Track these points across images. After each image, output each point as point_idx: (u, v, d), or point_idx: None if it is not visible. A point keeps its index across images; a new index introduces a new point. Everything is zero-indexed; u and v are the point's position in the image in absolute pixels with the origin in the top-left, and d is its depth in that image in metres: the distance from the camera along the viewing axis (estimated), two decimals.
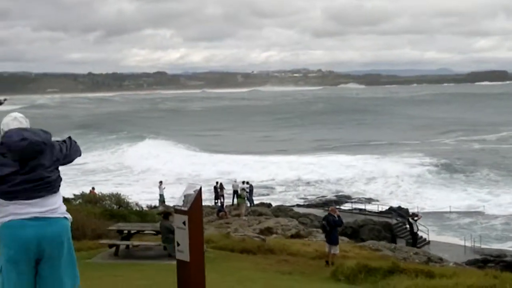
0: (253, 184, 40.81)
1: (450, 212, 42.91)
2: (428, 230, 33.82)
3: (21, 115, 4.08)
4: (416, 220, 22.52)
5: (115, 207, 27.91)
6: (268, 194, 52.90)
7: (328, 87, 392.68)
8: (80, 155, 4.35)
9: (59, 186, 4.07)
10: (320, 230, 26.60)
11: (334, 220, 14.91)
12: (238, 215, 31.86)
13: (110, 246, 15.43)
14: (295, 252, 17.46)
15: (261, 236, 20.06)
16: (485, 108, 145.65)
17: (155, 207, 33.81)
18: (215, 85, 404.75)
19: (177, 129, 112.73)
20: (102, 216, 24.82)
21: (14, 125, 3.95)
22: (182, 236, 4.27)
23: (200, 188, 4.52)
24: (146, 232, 16.42)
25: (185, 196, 4.44)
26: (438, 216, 42.22)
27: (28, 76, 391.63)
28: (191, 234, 4.15)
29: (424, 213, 38.70)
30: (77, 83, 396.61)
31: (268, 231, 24.56)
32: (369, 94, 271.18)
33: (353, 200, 50.72)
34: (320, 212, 41.95)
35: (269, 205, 41.72)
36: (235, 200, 36.05)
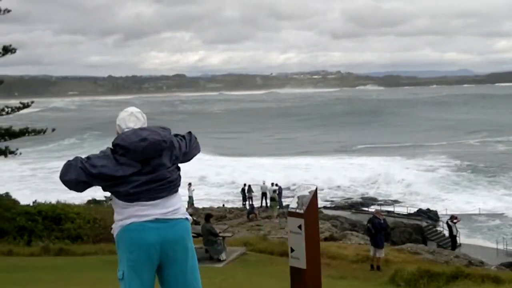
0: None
1: (479, 214, 42.40)
2: (458, 233, 33.49)
3: (137, 110, 3.85)
4: (455, 223, 22.23)
5: None
6: (292, 196, 52.77)
7: (347, 89, 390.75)
8: (199, 152, 4.09)
9: (179, 185, 3.84)
10: (355, 233, 26.51)
11: (379, 223, 14.78)
12: (268, 217, 31.82)
13: None
14: (335, 255, 17.32)
15: None
16: (507, 109, 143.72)
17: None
18: (233, 87, 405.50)
19: (198, 131, 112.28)
20: None
21: (131, 120, 3.74)
22: (297, 241, 3.94)
23: (316, 189, 4.27)
24: None
25: (299, 197, 4.22)
26: (467, 218, 41.75)
27: (48, 79, 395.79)
28: (307, 239, 3.86)
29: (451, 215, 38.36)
30: (97, 86, 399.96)
31: None
32: (389, 95, 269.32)
33: (379, 202, 50.41)
34: (347, 214, 41.78)
35: (287, 206, 41.56)
36: (264, 202, 36.03)
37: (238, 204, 39.97)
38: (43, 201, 25.13)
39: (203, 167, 65.10)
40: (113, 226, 3.76)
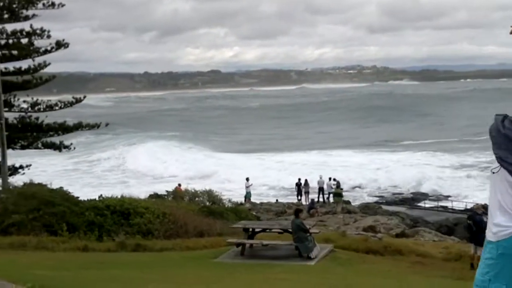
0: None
1: None
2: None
3: None
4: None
5: (207, 203, 27.59)
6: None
7: (384, 83, 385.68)
8: None
9: None
10: (427, 229, 25.51)
11: (481, 220, 13.87)
12: (328, 213, 31.04)
13: (238, 245, 14.87)
14: (424, 253, 16.45)
15: (377, 236, 19.16)
16: None
17: (241, 204, 33.41)
18: (269, 82, 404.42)
19: (240, 126, 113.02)
20: (200, 213, 24.46)
21: None
22: None
23: None
24: (273, 230, 15.69)
25: None
26: None
27: (86, 76, 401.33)
28: None
29: None
30: (133, 82, 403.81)
31: (372, 229, 23.55)
32: (426, 90, 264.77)
33: (430, 197, 49.36)
34: (403, 210, 40.66)
35: (348, 202, 40.66)
36: (321, 197, 35.29)
37: (291, 199, 39.28)
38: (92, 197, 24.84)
39: (250, 162, 64.96)
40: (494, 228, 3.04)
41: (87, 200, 23.60)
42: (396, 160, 67.02)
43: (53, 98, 47.39)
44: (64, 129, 39.98)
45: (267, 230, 15.93)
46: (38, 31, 39.61)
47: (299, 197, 36.81)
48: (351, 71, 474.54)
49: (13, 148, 39.60)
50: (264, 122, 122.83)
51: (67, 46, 41.67)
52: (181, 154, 74.51)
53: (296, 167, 60.54)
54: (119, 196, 24.47)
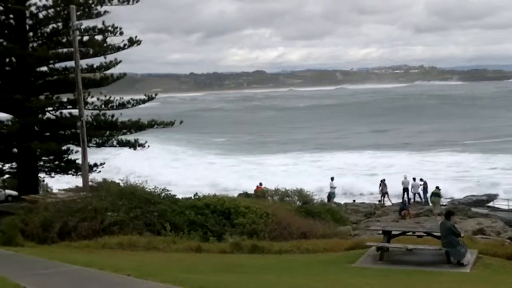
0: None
1: None
2: None
3: None
4: None
5: (298, 203, 26.49)
6: None
7: (432, 83, 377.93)
8: None
9: None
10: None
11: None
12: (419, 215, 29.52)
13: (378, 248, 13.66)
14: None
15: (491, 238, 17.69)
16: None
17: (324, 204, 32.21)
18: (314, 83, 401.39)
19: (296, 127, 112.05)
20: (297, 214, 23.37)
21: None
22: None
23: None
24: (416, 233, 14.37)
25: None
26: None
27: (134, 77, 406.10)
28: None
29: None
30: (180, 83, 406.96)
31: (481, 233, 22.00)
32: (475, 89, 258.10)
33: (502, 198, 47.38)
34: (486, 212, 38.78)
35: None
36: (405, 197, 33.77)
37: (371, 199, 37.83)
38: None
39: (317, 162, 64.03)
40: None
41: (184, 198, 22.86)
42: (462, 159, 65.32)
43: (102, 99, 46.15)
44: (139, 127, 39.53)
45: (408, 233, 14.64)
46: (110, 28, 39.33)
47: (381, 198, 35.37)
48: (398, 71, 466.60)
49: (88, 146, 39.39)
50: (318, 122, 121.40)
51: (140, 43, 41.24)
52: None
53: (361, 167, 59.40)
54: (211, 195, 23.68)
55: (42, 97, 37.67)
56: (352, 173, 57.25)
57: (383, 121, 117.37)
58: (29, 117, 36.07)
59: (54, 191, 42.58)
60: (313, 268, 13.04)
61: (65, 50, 36.54)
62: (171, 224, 19.73)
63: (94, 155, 43.58)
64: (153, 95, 43.96)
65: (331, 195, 32.95)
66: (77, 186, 41.58)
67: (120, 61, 41.49)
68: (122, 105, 40.85)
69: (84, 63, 39.66)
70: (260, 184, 33.15)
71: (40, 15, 36.28)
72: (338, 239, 17.43)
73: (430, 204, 30.90)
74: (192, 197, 23.40)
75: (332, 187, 33.90)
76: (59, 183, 44.74)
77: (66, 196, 29.15)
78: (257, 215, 20.27)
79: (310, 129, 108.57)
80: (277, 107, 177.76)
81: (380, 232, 15.84)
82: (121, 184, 21.87)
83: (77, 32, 32.06)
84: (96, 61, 40.62)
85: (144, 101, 42.60)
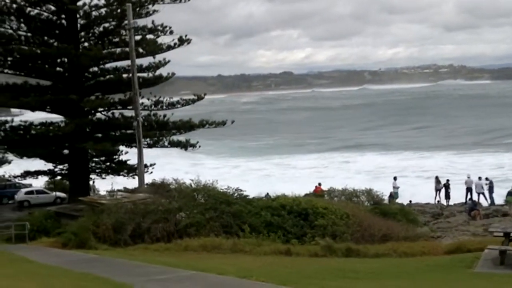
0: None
1: None
2: None
3: None
4: None
5: (366, 203, 25.44)
6: None
7: (458, 82, 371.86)
8: None
9: None
10: None
11: None
12: (488, 216, 28.22)
13: (501, 252, 12.60)
14: None
15: None
16: None
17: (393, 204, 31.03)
18: (342, 83, 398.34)
19: (336, 127, 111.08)
20: (372, 214, 22.36)
21: None
22: None
23: None
24: None
25: None
26: None
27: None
28: None
29: None
30: (207, 85, 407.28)
31: None
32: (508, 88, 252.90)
33: None
34: None
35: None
36: (468, 197, 32.45)
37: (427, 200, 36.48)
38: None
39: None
40: None
41: (256, 198, 22.05)
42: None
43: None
44: (190, 127, 38.94)
45: None
46: (159, 27, 38.80)
47: (437, 197, 34.05)
48: (427, 70, 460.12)
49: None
50: (354, 121, 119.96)
51: (189, 42, 40.63)
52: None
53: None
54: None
55: (92, 97, 37.35)
56: (399, 174, 56.09)
57: (416, 120, 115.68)
58: (81, 118, 35.72)
59: (102, 192, 42.29)
60: (430, 274, 12.06)
61: (118, 49, 36.04)
62: (248, 226, 18.95)
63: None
64: (202, 95, 43.44)
65: (393, 195, 31.83)
66: (125, 188, 41.18)
67: (169, 61, 40.92)
68: (171, 105, 40.35)
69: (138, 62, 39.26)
70: (319, 184, 32.20)
71: (93, 15, 35.89)
72: (427, 242, 16.39)
73: (503, 204, 29.51)
74: (264, 198, 22.59)
75: (395, 187, 32.78)
76: (103, 185, 44.49)
77: (125, 197, 28.59)
78: (337, 216, 19.35)
79: (347, 129, 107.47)
80: (311, 108, 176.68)
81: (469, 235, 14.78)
82: (192, 184, 21.08)
83: (133, 31, 31.44)
84: (143, 61, 40.25)
85: (193, 101, 42.00)
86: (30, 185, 44.14)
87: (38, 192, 42.11)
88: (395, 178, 32.83)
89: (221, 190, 20.73)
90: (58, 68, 36.94)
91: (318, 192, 30.02)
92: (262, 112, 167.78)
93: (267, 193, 23.60)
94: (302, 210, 19.85)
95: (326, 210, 19.71)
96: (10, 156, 35.64)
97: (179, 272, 10.55)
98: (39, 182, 45.04)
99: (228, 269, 11.35)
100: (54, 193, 42.53)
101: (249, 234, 18.24)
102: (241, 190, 21.06)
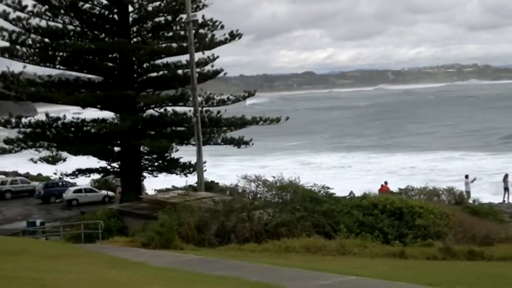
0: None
1: None
2: None
3: None
4: None
5: (446, 202, 24.15)
6: None
7: (490, 82, 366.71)
8: None
9: None
10: None
11: None
12: None
13: None
14: None
15: None
16: None
17: (456, 203, 29.67)
18: (364, 83, 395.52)
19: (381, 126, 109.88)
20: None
21: None
22: None
23: None
24: None
25: None
26: None
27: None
28: None
29: None
30: (229, 85, 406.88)
31: None
32: None
33: None
34: None
35: None
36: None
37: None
38: None
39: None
40: None
41: (342, 197, 20.93)
42: None
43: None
44: (243, 123, 37.93)
45: None
46: (209, 22, 37.80)
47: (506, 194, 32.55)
48: (450, 70, 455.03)
49: (191, 144, 38.03)
50: (386, 120, 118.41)
51: (240, 37, 39.60)
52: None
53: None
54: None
55: (144, 93, 36.52)
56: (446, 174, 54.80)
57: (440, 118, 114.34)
58: (137, 115, 34.90)
59: (149, 191, 41.46)
60: None
61: (174, 44, 35.12)
62: (339, 225, 17.79)
63: None
64: (253, 91, 42.48)
65: (466, 194, 30.41)
66: (173, 186, 40.29)
67: (217, 57, 39.91)
68: (222, 102, 39.38)
69: (183, 58, 38.31)
70: (385, 183, 30.94)
71: (146, 9, 35.02)
72: None
73: None
74: (348, 196, 21.46)
75: (467, 184, 31.33)
76: (150, 183, 43.67)
77: (186, 195, 27.64)
78: (437, 216, 18.11)
79: (377, 128, 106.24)
80: (340, 107, 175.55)
81: None
82: (274, 181, 19.97)
83: (192, 25, 30.47)
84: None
85: (244, 98, 41.07)
86: (74, 184, 43.51)
87: (87, 190, 41.49)
88: (466, 176, 31.45)
89: (308, 188, 19.58)
90: (110, 64, 36.12)
91: (384, 191, 28.76)
92: (295, 112, 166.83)
93: (351, 191, 22.46)
94: (396, 209, 18.64)
95: (423, 210, 18.48)
96: (63, 153, 34.83)
97: (335, 278, 9.43)
98: (85, 181, 44.42)
99: (366, 273, 10.25)
100: (102, 191, 41.87)
101: (345, 234, 17.06)
102: (328, 188, 19.90)
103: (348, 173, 61.01)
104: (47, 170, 57.64)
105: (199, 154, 30.36)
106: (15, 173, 54.14)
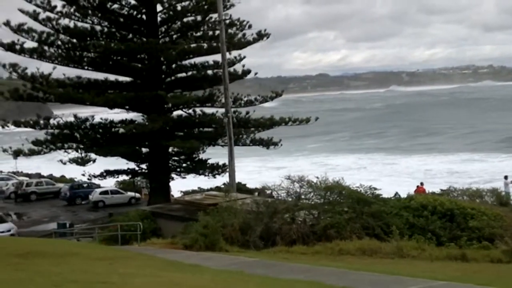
0: None
1: None
2: None
3: None
4: None
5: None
6: None
7: (505, 84, 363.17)
8: None
9: None
10: None
11: None
12: None
13: None
14: None
15: None
16: None
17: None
18: (379, 84, 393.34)
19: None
20: None
21: None
22: None
23: None
24: None
25: None
26: None
27: None
28: None
29: None
30: (244, 88, 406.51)
31: None
32: None
33: None
34: None
35: None
36: None
37: None
38: None
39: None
40: None
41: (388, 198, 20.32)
42: None
43: None
44: (272, 124, 37.43)
45: None
46: (236, 22, 37.35)
47: None
48: (466, 71, 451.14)
49: (219, 145, 37.64)
50: (405, 121, 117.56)
51: (268, 37, 39.11)
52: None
53: None
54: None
55: (171, 94, 36.17)
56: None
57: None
58: (167, 115, 34.58)
59: (174, 193, 41.05)
60: None
61: (204, 44, 34.73)
62: (388, 227, 17.21)
63: None
64: (280, 92, 42.12)
65: (505, 195, 29.63)
66: (199, 188, 39.84)
67: (244, 57, 39.47)
68: (250, 102, 38.99)
69: (210, 59, 37.98)
70: (421, 184, 30.27)
71: (175, 8, 34.65)
72: None
73: None
74: (393, 197, 20.85)
75: (506, 185, 30.57)
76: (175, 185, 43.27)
77: (217, 196, 27.17)
78: (490, 218, 17.46)
79: (398, 129, 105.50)
80: (353, 109, 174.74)
81: None
82: (319, 182, 19.41)
83: (224, 23, 30.03)
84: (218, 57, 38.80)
85: (272, 98, 40.62)
86: (99, 186, 43.21)
87: (113, 192, 41.23)
88: (506, 177, 30.67)
89: (354, 189, 19.00)
90: (139, 64, 35.80)
91: (421, 193, 28.08)
92: (311, 113, 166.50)
93: (396, 192, 21.87)
94: (446, 210, 18.01)
95: (475, 211, 17.85)
96: (91, 155, 34.53)
97: (423, 283, 8.88)
98: (109, 183, 44.14)
99: (440, 277, 9.70)
100: (128, 193, 41.56)
101: (398, 236, 16.46)
102: (375, 189, 19.31)
103: (363, 174, 60.12)
104: (71, 172, 57.62)
105: (231, 155, 29.85)
106: (38, 175, 54.11)
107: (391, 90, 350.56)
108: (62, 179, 51.73)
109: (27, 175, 53.84)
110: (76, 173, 56.18)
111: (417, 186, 29.84)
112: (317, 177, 19.62)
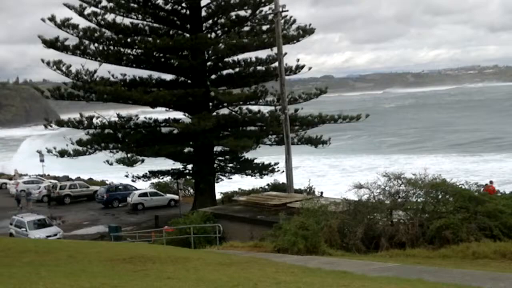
0: None
1: None
2: None
3: None
4: None
5: None
6: None
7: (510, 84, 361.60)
8: None
9: None
10: None
11: None
12: None
13: None
14: None
15: None
16: None
17: None
18: (384, 86, 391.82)
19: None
20: None
21: None
22: None
23: None
24: None
25: None
26: None
27: None
28: None
29: None
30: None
31: None
32: None
33: None
34: None
35: None
36: None
37: None
38: None
39: None
40: None
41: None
42: None
43: None
44: (322, 121, 36.01)
45: None
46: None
47: None
48: (471, 72, 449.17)
49: (265, 144, 36.26)
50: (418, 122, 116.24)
51: (313, 32, 37.79)
52: None
53: None
54: None
55: (220, 90, 34.76)
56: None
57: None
58: (214, 114, 33.19)
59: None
60: None
61: (255, 38, 33.28)
62: (506, 228, 15.80)
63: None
64: (324, 89, 40.86)
65: None
66: (240, 189, 38.35)
67: (285, 53, 37.88)
68: (294, 100, 37.64)
69: (254, 55, 36.66)
70: (491, 182, 28.83)
71: (220, 3, 33.20)
72: None
73: None
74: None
75: None
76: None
77: (280, 197, 25.78)
78: None
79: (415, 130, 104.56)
80: (361, 109, 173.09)
81: None
82: (419, 179, 17.96)
83: (280, 16, 28.68)
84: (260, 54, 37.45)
85: (316, 95, 39.29)
86: (135, 188, 41.69)
87: (152, 194, 39.80)
88: None
89: (460, 186, 17.55)
90: (185, 61, 34.34)
91: (490, 192, 26.61)
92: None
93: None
94: None
95: None
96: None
97: None
98: (144, 185, 42.65)
99: None
100: (167, 195, 40.11)
101: None
102: (481, 186, 17.90)
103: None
104: (99, 174, 56.20)
105: (288, 153, 28.46)
106: (66, 177, 52.65)
107: (387, 92, 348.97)
108: (90, 181, 50.22)
109: (55, 177, 52.34)
110: (104, 175, 54.93)
111: (486, 185, 28.39)
112: (414, 174, 18.19)
